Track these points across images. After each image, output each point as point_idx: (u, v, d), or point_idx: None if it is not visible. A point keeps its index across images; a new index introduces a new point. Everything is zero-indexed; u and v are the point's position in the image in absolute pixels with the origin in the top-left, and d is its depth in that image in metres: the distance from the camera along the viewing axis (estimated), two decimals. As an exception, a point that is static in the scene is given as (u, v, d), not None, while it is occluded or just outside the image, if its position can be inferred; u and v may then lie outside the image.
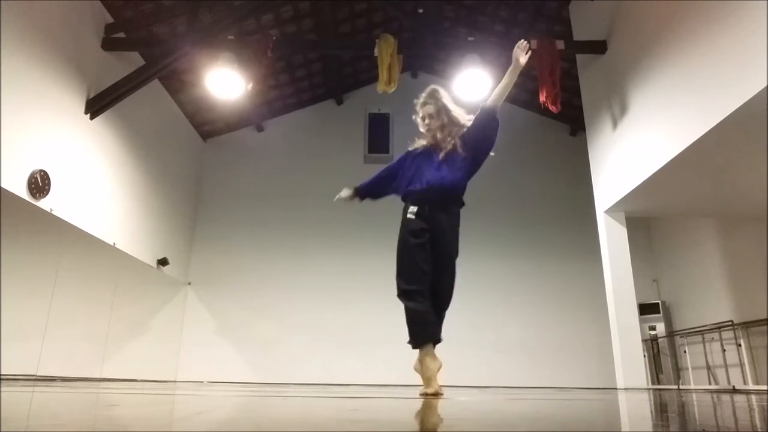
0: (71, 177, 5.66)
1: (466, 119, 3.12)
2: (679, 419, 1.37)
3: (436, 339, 2.88)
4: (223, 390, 3.28)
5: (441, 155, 3.02)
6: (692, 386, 7.36)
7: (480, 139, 3.10)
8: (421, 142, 3.16)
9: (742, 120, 4.21)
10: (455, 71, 6.46)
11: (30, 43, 5.03)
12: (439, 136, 3.06)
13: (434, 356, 2.81)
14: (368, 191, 3.32)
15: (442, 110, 3.07)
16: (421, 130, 3.14)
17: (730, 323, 6.92)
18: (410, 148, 3.21)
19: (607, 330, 6.28)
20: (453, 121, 3.07)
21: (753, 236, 6.93)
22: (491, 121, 3.14)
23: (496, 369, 8.35)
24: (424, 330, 2.82)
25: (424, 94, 3.13)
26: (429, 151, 3.09)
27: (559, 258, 8.98)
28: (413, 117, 3.19)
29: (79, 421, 1.03)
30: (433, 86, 3.15)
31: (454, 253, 3.00)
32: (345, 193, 3.32)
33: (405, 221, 2.97)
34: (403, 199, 3.08)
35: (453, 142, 3.04)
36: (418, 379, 2.99)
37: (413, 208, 2.95)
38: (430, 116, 3.07)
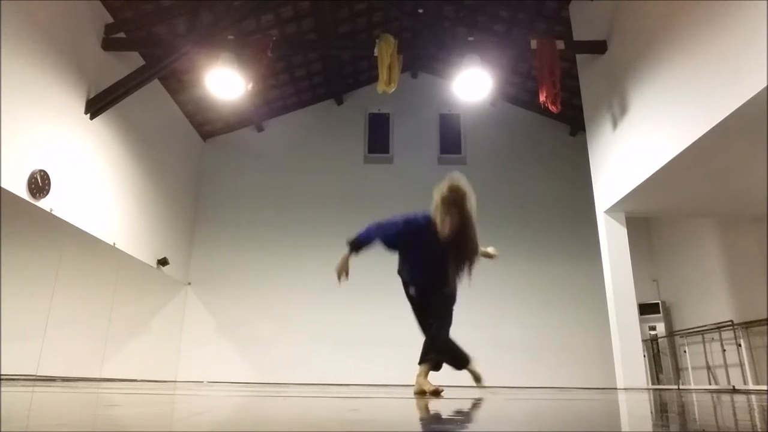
0: (71, 177, 5.66)
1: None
2: (679, 419, 1.37)
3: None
4: (223, 390, 3.28)
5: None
6: (692, 386, 7.35)
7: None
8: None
9: (742, 120, 4.20)
10: (455, 71, 6.46)
11: (30, 43, 5.03)
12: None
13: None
14: (363, 244, 3.28)
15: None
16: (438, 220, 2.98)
17: (730, 323, 6.91)
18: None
19: (607, 330, 6.28)
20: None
21: (753, 236, 6.93)
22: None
23: (497, 369, 8.33)
24: None
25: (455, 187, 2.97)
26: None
27: (559, 258, 8.98)
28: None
29: (79, 421, 1.03)
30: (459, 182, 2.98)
31: None
32: None
33: None
34: None
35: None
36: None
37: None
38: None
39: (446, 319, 3.22)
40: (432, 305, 3.21)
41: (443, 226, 2.95)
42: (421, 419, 1.28)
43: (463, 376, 3.39)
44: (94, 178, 6.14)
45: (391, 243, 3.19)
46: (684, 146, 4.76)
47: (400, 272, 3.38)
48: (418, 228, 3.09)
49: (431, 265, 3.13)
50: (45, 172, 5.18)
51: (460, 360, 3.30)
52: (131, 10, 6.40)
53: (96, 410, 1.34)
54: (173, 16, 6.63)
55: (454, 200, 2.93)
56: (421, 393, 2.94)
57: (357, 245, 3.15)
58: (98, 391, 2.55)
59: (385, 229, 3.16)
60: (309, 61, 8.79)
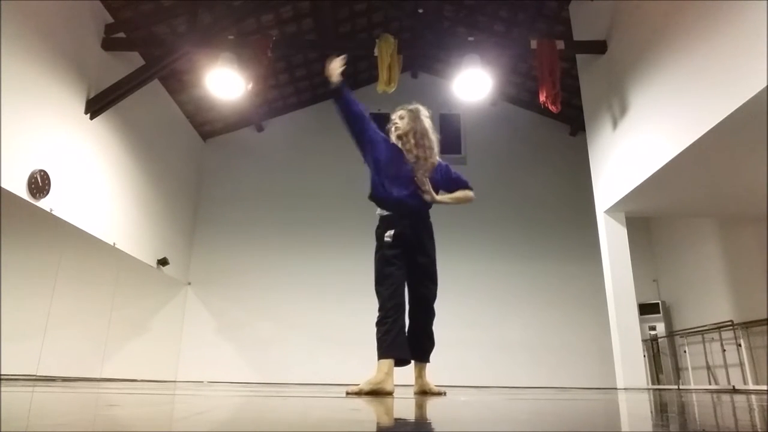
0: (71, 177, 5.66)
1: (436, 156, 3.10)
2: (679, 419, 1.37)
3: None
4: (223, 390, 3.28)
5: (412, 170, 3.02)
6: (692, 386, 7.35)
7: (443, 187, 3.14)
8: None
9: (741, 120, 4.21)
10: (455, 71, 6.46)
11: (30, 43, 5.03)
12: (415, 152, 3.04)
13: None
14: (348, 98, 3.21)
15: (420, 131, 3.07)
16: (394, 138, 3.13)
17: (730, 323, 6.92)
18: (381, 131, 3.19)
19: (607, 330, 6.28)
20: (429, 147, 3.06)
21: (753, 236, 6.93)
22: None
23: (497, 369, 8.35)
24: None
25: (407, 110, 3.14)
26: (400, 157, 3.07)
27: (559, 258, 8.98)
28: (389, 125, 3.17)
29: (79, 421, 1.03)
30: (417, 106, 3.15)
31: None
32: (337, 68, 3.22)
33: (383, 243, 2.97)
34: (380, 203, 3.05)
35: (427, 166, 3.03)
36: (414, 379, 3.01)
37: (390, 232, 2.93)
38: (408, 133, 3.08)
39: (433, 295, 3.00)
40: (420, 268, 2.93)
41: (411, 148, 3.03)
42: (422, 419, 1.28)
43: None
44: (94, 178, 6.14)
45: (370, 133, 3.13)
46: (684, 146, 4.76)
47: (372, 195, 3.12)
48: (392, 145, 3.11)
49: (408, 182, 2.99)
50: (45, 172, 5.18)
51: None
52: (131, 10, 6.40)
53: (96, 410, 1.34)
54: (173, 16, 6.63)
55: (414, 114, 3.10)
56: (422, 393, 2.92)
57: (340, 94, 3.16)
58: (98, 391, 2.55)
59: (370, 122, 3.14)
60: (309, 61, 8.79)
